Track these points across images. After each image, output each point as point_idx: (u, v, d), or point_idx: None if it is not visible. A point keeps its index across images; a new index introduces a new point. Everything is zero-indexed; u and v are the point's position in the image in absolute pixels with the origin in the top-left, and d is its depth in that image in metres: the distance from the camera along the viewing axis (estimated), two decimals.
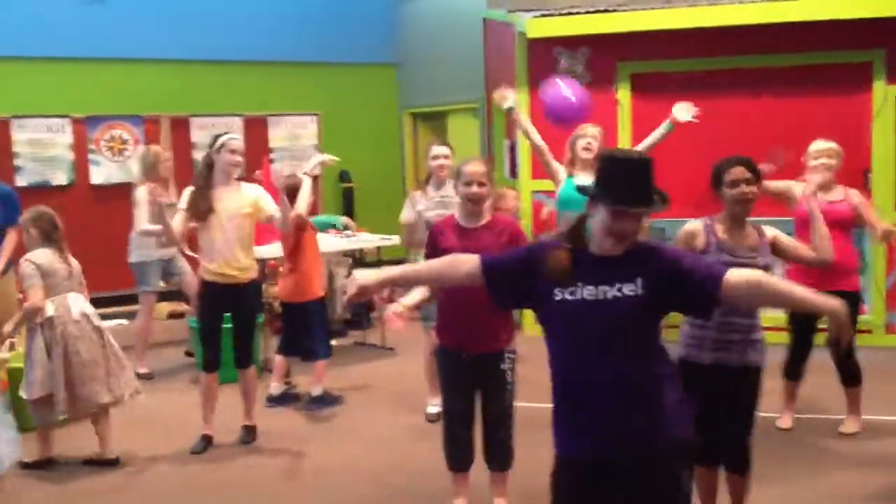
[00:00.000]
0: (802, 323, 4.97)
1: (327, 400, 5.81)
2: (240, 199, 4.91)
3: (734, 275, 2.45)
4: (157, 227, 5.25)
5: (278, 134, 9.79)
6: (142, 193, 5.95)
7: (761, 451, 3.57)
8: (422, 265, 2.75)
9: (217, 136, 4.95)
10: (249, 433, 5.22)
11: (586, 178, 4.91)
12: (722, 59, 7.15)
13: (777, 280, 2.67)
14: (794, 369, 5.09)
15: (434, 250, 3.81)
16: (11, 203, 5.90)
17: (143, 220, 5.96)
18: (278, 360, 5.95)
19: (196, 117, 9.19)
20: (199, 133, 9.06)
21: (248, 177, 5.52)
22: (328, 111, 10.24)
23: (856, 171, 7.04)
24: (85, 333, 4.70)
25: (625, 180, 2.46)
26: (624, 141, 7.35)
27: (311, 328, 5.81)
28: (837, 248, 4.90)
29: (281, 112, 9.86)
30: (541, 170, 7.54)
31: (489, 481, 4.02)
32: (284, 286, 5.89)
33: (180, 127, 9.09)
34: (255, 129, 9.48)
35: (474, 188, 3.82)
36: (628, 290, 2.46)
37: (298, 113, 9.98)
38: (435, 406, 5.23)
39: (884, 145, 6.92)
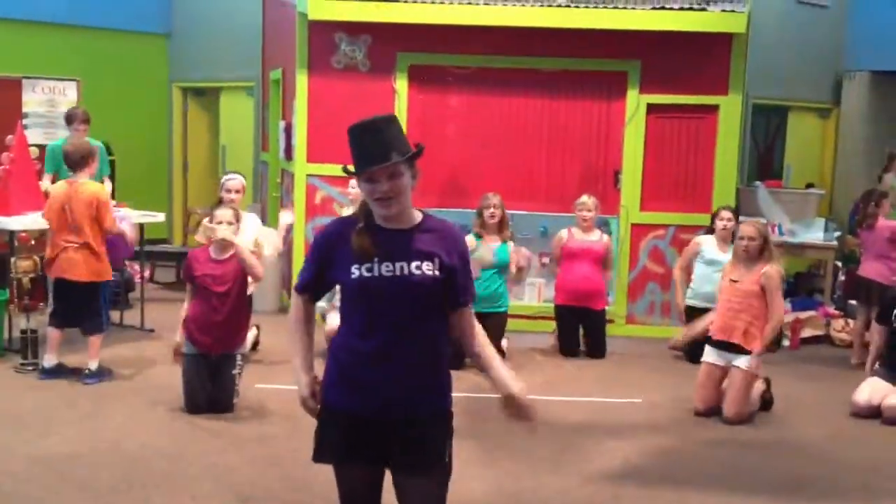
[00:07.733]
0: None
1: (103, 374, 5.70)
2: None
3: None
4: None
5: (34, 98, 9.12)
6: None
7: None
8: (296, 343, 2.67)
9: None
10: None
11: (494, 240, 6.51)
12: (496, 57, 7.46)
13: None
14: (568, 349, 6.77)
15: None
16: None
17: None
18: (53, 333, 5.72)
19: None
20: None
21: None
22: (90, 78, 9.62)
23: (607, 172, 7.65)
24: None
25: (360, 145, 2.50)
26: None
27: (92, 304, 5.69)
28: (592, 278, 6.76)
29: (37, 75, 9.18)
30: (316, 153, 7.58)
31: None
32: (71, 263, 5.58)
33: None
34: (8, 92, 8.77)
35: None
36: (427, 268, 2.53)
37: (56, 77, 9.34)
38: None
39: (634, 149, 7.53)
